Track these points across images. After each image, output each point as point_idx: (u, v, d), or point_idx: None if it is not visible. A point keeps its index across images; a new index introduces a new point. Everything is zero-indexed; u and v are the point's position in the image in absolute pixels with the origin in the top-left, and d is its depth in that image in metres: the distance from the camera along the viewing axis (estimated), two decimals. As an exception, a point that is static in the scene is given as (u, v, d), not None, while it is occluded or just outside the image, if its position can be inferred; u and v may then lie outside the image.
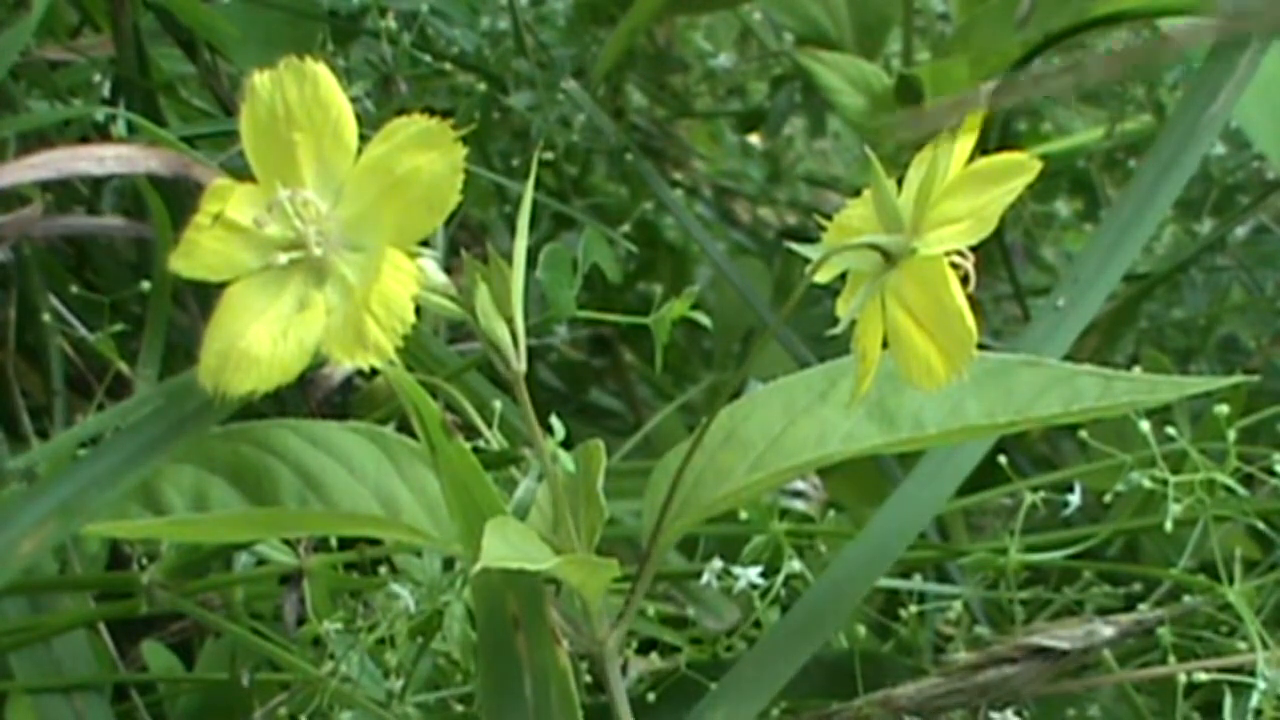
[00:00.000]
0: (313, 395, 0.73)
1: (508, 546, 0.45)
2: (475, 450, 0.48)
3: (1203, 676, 0.58)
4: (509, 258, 0.49)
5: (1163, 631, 0.60)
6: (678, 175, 1.12)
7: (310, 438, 0.52)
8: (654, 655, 0.66)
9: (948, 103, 0.44)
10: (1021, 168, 0.44)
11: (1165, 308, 0.95)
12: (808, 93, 0.99)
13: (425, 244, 0.45)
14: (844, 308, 0.47)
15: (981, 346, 0.44)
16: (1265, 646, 0.57)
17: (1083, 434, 0.64)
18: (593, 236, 0.69)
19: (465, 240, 0.96)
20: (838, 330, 0.46)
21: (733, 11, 1.04)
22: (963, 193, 0.44)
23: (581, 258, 0.66)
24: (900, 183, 0.46)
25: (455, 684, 0.60)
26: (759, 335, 0.95)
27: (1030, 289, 0.96)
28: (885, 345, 0.46)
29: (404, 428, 0.51)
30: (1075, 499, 0.62)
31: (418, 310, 0.42)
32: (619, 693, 0.53)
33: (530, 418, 0.49)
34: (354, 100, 0.51)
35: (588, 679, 0.59)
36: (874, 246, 0.45)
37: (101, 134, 0.78)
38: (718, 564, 0.61)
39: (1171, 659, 0.60)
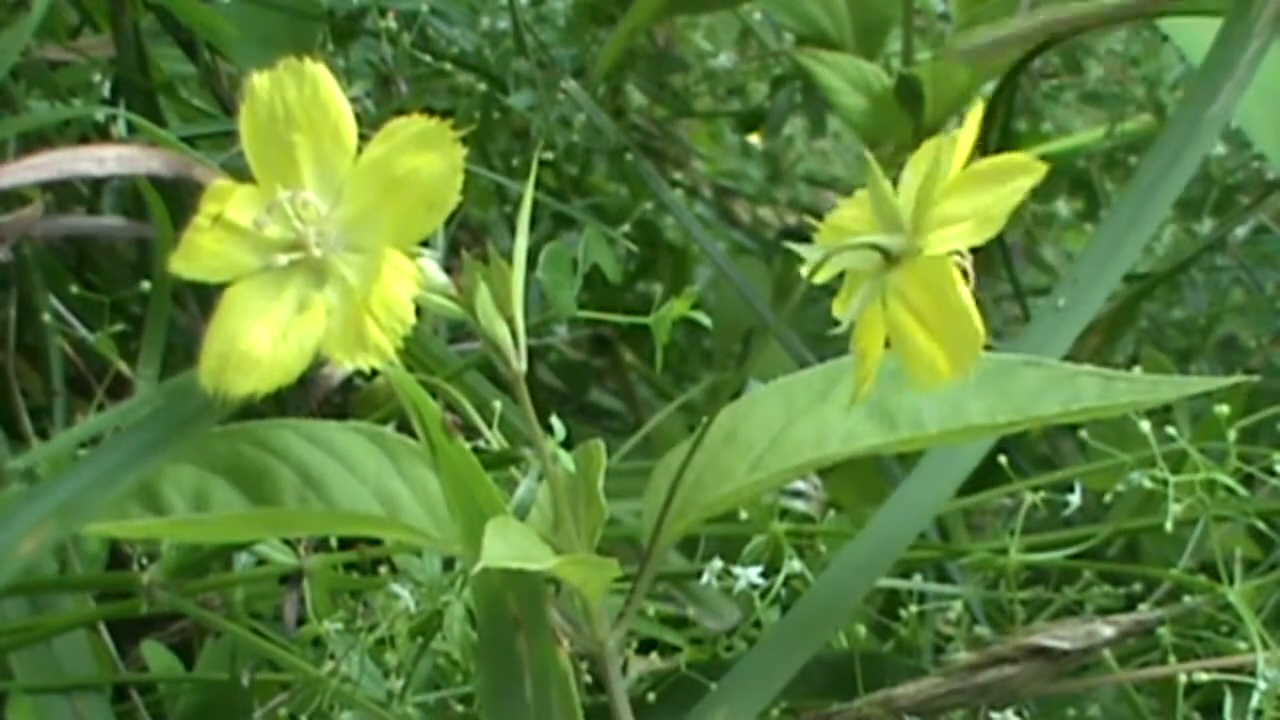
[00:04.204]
0: (313, 395, 0.73)
1: (508, 546, 0.45)
2: (475, 450, 0.48)
3: (1203, 676, 0.58)
4: (509, 258, 0.49)
5: (1163, 631, 0.60)
6: (678, 175, 1.12)
7: (310, 438, 0.52)
8: (654, 655, 0.66)
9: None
10: (1024, 168, 0.44)
11: (1165, 308, 0.95)
12: (808, 93, 0.99)
13: (425, 244, 0.45)
14: (842, 308, 0.47)
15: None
16: (1265, 646, 0.57)
17: (1083, 434, 0.64)
18: (593, 236, 0.69)
19: (465, 240, 0.96)
20: (838, 331, 0.46)
21: (733, 11, 1.04)
22: (964, 192, 0.44)
23: (581, 258, 0.66)
24: (895, 183, 0.46)
25: (455, 684, 0.60)
26: (759, 335, 0.95)
27: (1030, 289, 0.96)
28: (886, 345, 0.46)
29: (404, 428, 0.51)
30: (1075, 499, 0.62)
31: (418, 310, 0.42)
32: (619, 693, 0.53)
33: (530, 418, 0.49)
34: (354, 100, 0.51)
35: (588, 679, 0.59)
36: (875, 246, 0.45)
37: (101, 134, 0.78)
38: (718, 564, 0.61)
39: (1171, 659, 0.60)
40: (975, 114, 0.45)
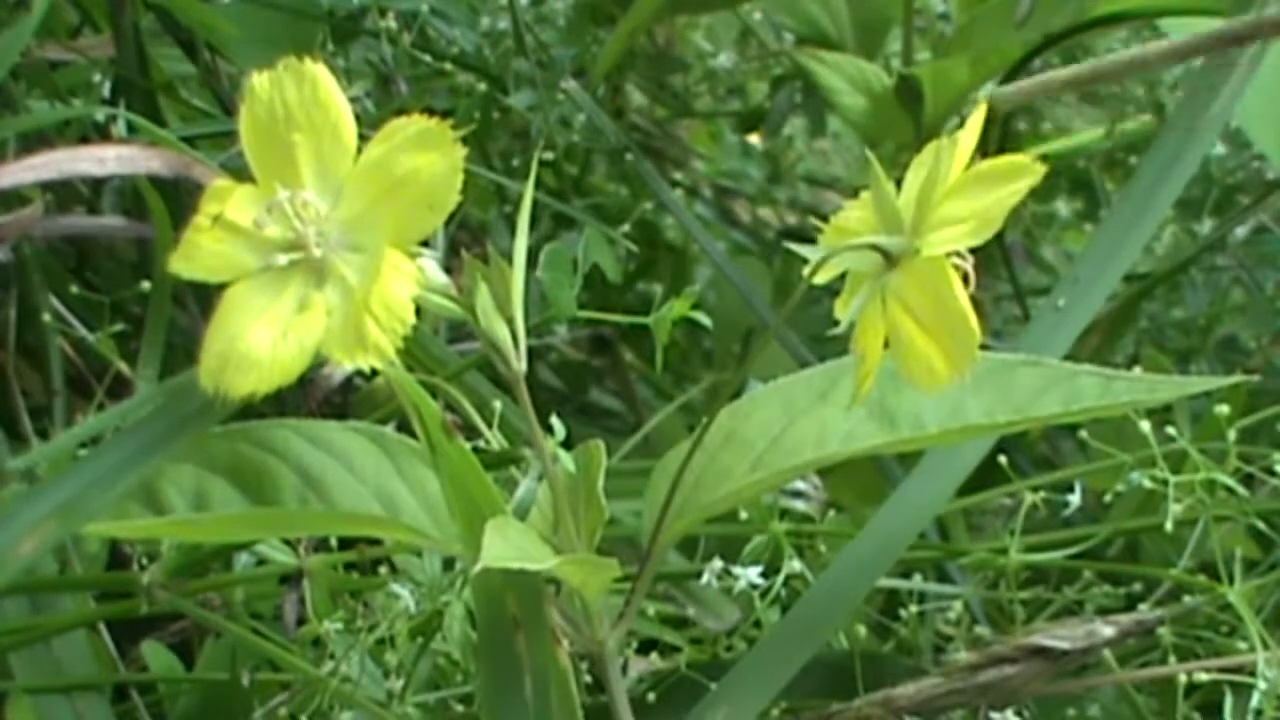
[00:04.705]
0: (313, 395, 0.73)
1: (508, 546, 0.45)
2: (475, 450, 0.48)
3: (1203, 676, 0.58)
4: (509, 258, 0.49)
5: (1163, 631, 0.60)
6: (678, 175, 1.12)
7: (310, 438, 0.52)
8: (654, 655, 0.66)
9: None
10: (1024, 170, 0.44)
11: (1165, 308, 0.95)
12: (808, 93, 0.99)
13: (425, 244, 0.45)
14: (843, 309, 0.47)
15: (981, 346, 0.44)
16: (1265, 646, 0.57)
17: (1083, 434, 0.64)
18: (593, 236, 0.69)
19: (465, 240, 0.96)
20: (838, 331, 0.46)
21: (733, 11, 1.04)
22: (965, 194, 0.44)
23: (581, 258, 0.66)
24: (899, 184, 0.46)
25: (455, 684, 0.60)
26: (759, 335, 0.95)
27: (1030, 289, 0.97)
28: (886, 345, 0.46)
29: (404, 428, 0.51)
30: (1075, 499, 0.62)
31: (418, 310, 0.42)
32: (619, 693, 0.53)
33: (530, 418, 0.49)
34: (354, 100, 0.51)
35: (588, 679, 0.59)
36: (875, 247, 0.45)
37: (101, 134, 0.78)
38: (718, 564, 0.61)
39: (1171, 659, 0.60)
40: (977, 116, 0.45)
